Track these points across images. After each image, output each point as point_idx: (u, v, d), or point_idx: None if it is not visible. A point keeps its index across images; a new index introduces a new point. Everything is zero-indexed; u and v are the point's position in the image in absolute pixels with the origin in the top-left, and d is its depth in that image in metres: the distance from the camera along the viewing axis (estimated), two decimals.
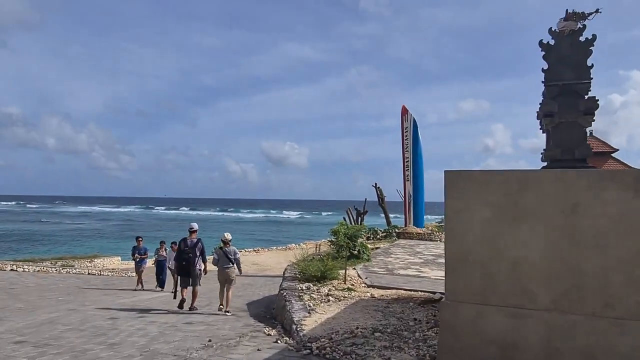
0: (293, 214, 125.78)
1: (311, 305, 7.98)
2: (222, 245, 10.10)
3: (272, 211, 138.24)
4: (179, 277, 10.44)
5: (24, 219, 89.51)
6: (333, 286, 9.83)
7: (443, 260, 15.09)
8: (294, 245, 42.27)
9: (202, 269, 10.40)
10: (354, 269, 12.84)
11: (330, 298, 8.54)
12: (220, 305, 9.94)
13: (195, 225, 10.42)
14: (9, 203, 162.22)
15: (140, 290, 15.04)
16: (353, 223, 27.86)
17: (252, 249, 38.73)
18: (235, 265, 10.07)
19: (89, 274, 22.51)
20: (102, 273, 23.05)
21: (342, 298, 8.60)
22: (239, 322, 8.65)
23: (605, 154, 41.62)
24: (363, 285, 10.18)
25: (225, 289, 9.84)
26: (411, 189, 27.60)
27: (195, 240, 10.15)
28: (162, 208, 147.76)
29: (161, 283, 14.86)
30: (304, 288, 9.39)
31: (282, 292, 9.08)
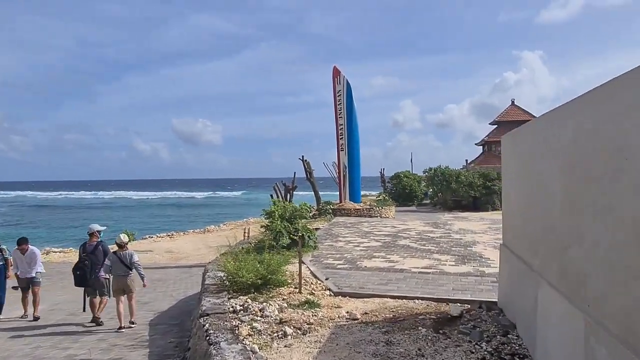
0: (209, 193, 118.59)
1: (256, 349, 4.43)
2: (116, 249, 8.24)
3: (185, 191, 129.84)
4: (84, 289, 8.66)
5: None
6: (283, 299, 6.33)
7: (405, 243, 12.13)
8: (213, 227, 37.92)
9: (107, 276, 8.58)
10: (302, 262, 9.45)
11: (287, 328, 5.02)
12: (120, 327, 7.76)
13: (95, 227, 8.80)
14: None
15: None
16: (282, 200, 24.49)
17: (165, 234, 33.77)
18: (134, 271, 8.14)
19: None
20: None
21: (307, 327, 5.11)
22: None
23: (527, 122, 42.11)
24: (328, 292, 6.80)
25: (125, 299, 8.06)
26: (346, 160, 24.58)
27: (94, 244, 8.57)
28: (56, 193, 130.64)
29: None
30: (238, 309, 5.78)
31: (202, 321, 5.38)
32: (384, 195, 31.27)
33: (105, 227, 9.26)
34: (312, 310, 5.72)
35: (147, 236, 30.45)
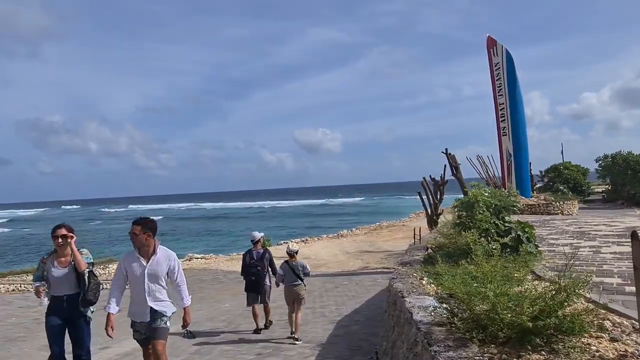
0: (335, 201, 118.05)
1: None
2: (287, 258, 8.26)
3: (312, 199, 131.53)
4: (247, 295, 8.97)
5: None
6: None
7: None
8: (346, 231, 35.59)
9: (273, 283, 8.89)
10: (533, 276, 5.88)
11: None
12: (292, 332, 7.86)
13: (258, 235, 9.08)
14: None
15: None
16: (432, 199, 20.95)
17: (299, 239, 32.18)
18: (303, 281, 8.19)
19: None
20: None
21: None
22: None
23: None
24: None
25: (294, 310, 7.97)
26: (510, 146, 20.11)
27: (261, 251, 8.90)
28: (190, 204, 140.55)
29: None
30: None
31: None
32: (562, 187, 25.79)
33: (262, 234, 9.36)
34: None
35: (282, 242, 29.12)
